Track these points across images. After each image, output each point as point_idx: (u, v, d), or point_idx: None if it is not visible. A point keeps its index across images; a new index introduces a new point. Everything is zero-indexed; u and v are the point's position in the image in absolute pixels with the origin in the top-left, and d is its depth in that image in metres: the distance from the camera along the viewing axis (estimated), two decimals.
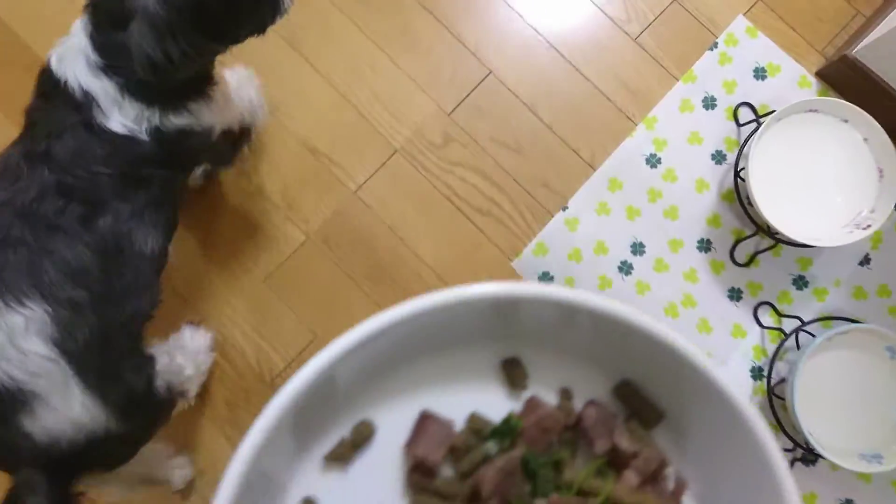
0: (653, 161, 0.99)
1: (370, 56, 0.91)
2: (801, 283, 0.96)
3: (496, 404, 0.34)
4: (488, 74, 0.92)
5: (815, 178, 0.89)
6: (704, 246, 0.97)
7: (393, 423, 0.34)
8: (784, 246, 0.97)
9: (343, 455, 0.33)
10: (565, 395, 0.34)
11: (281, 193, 0.89)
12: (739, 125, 1.00)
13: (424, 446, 0.31)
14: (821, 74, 0.96)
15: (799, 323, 0.92)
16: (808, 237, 0.87)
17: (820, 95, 0.97)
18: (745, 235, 0.97)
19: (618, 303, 0.32)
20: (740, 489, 0.33)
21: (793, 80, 0.98)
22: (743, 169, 0.92)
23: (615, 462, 0.33)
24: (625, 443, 0.32)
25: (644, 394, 0.34)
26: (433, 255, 0.88)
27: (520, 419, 0.33)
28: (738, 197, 0.96)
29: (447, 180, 0.90)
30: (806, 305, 0.95)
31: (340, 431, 0.34)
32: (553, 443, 0.33)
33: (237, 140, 0.79)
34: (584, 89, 0.96)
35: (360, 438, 0.33)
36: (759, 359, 0.94)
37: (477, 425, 0.33)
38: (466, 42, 0.92)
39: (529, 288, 0.32)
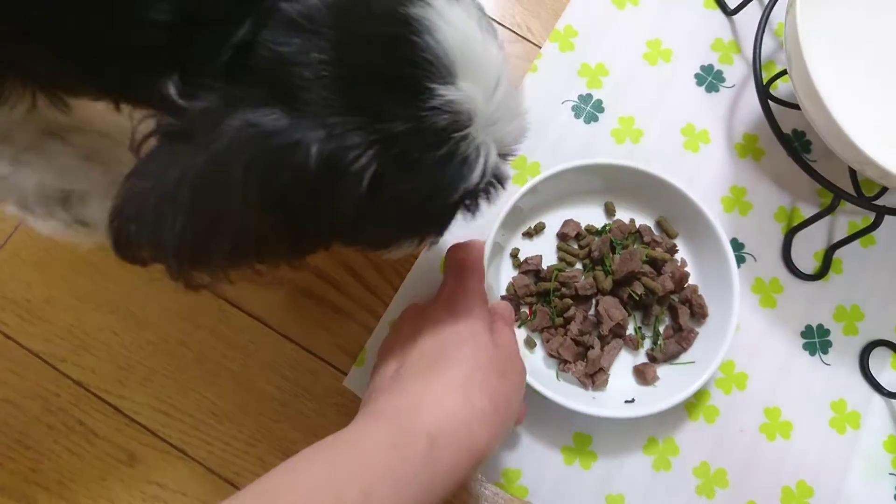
0: (584, 108, 0.76)
1: None
2: None
3: (601, 220, 0.74)
4: None
5: None
6: (734, 254, 0.68)
7: (553, 225, 0.74)
8: (884, 225, 0.71)
9: (529, 234, 0.73)
10: (632, 220, 0.73)
11: None
12: (729, 12, 0.79)
13: (566, 229, 0.72)
14: None
15: None
16: None
17: None
18: (806, 219, 0.71)
19: (659, 170, 0.70)
20: (711, 273, 0.70)
21: None
22: (783, 73, 0.69)
23: (652, 245, 0.71)
24: (657, 239, 0.71)
25: (669, 222, 0.73)
26: None
27: (611, 225, 0.72)
28: (781, 137, 0.66)
29: None
30: None
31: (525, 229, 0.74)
32: (626, 236, 0.72)
33: None
34: None
35: (538, 229, 0.73)
36: None
37: (591, 227, 0.73)
38: None
39: (624, 162, 0.71)
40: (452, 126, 0.39)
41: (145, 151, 0.39)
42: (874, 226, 0.72)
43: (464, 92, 0.39)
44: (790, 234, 0.75)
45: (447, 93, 0.38)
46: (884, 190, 0.72)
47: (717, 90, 0.79)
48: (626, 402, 0.66)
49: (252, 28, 0.37)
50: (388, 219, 0.42)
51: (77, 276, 0.70)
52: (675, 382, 0.67)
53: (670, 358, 0.69)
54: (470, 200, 0.45)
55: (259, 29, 0.37)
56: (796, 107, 0.66)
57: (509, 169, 0.46)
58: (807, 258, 0.76)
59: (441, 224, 0.47)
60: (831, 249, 0.75)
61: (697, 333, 0.69)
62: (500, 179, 0.45)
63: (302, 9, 0.37)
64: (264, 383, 0.68)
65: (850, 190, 0.72)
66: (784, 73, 0.75)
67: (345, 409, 0.67)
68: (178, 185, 0.36)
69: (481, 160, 0.41)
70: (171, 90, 0.37)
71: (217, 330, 0.69)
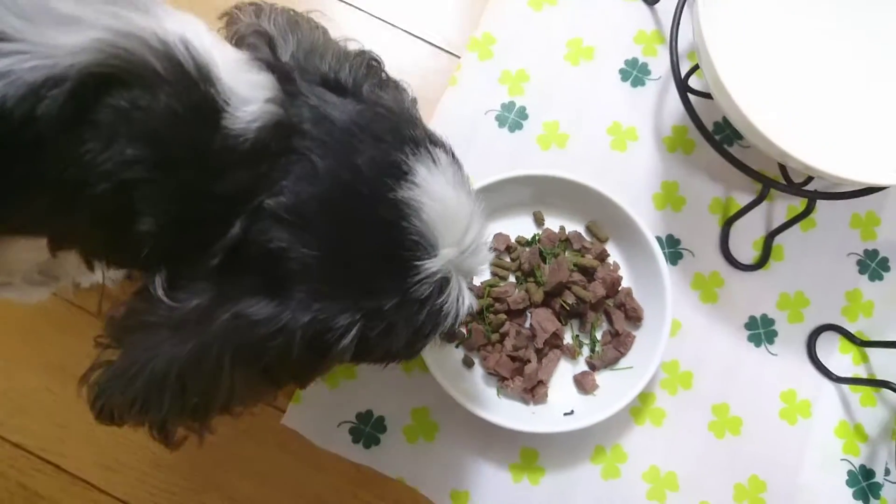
0: (508, 117, 0.75)
1: None
2: (875, 265, 0.73)
3: (531, 230, 0.73)
4: None
5: (852, 48, 0.65)
6: (668, 251, 0.72)
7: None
8: (822, 206, 0.72)
9: None
10: (562, 228, 0.72)
11: None
12: (650, 1, 0.77)
13: (496, 243, 0.70)
14: None
15: None
16: (869, 172, 0.58)
17: None
18: (741, 208, 0.71)
19: (587, 179, 0.69)
20: (644, 274, 0.69)
21: None
22: (696, 68, 0.68)
23: (582, 252, 0.70)
24: (587, 245, 0.70)
25: (598, 226, 0.72)
26: None
27: (540, 236, 0.71)
28: (703, 131, 0.66)
29: None
30: None
31: None
32: (555, 245, 0.71)
33: None
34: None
35: None
36: (854, 451, 0.69)
37: (521, 239, 0.72)
38: None
39: (548, 172, 0.70)
40: (435, 293, 0.43)
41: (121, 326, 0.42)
42: (807, 211, 0.71)
43: (443, 258, 0.42)
44: (726, 225, 0.73)
45: (431, 265, 0.42)
46: (811, 176, 0.70)
47: (644, 84, 0.78)
48: (565, 414, 0.66)
49: (242, 228, 0.39)
50: (368, 360, 0.46)
51: (8, 339, 0.69)
52: (615, 390, 0.66)
53: (609, 364, 0.68)
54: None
55: (249, 227, 0.39)
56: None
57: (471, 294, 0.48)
58: (746, 248, 0.74)
59: (418, 352, 0.50)
60: (770, 237, 0.73)
61: (634, 337, 0.68)
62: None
63: (290, 204, 0.39)
64: None
65: (781, 178, 0.71)
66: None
67: (286, 448, 0.67)
68: (164, 373, 0.39)
69: (456, 307, 0.45)
70: (158, 287, 0.39)
71: None
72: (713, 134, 0.72)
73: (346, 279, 0.40)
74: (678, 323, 0.71)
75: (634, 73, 0.78)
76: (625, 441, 0.69)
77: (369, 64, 0.48)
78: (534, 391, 0.66)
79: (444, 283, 0.43)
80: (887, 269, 0.74)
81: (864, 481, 0.69)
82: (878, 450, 0.70)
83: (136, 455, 0.67)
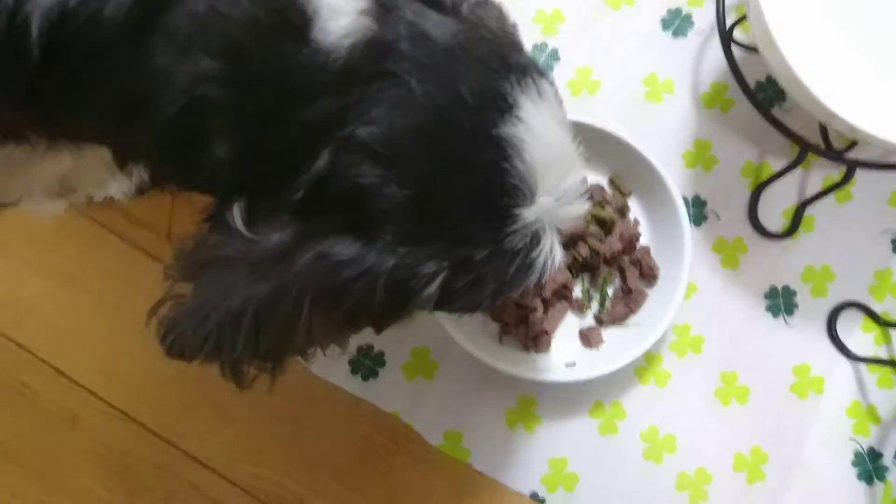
0: (539, 58, 0.70)
1: None
2: None
3: None
4: None
5: None
6: (693, 213, 0.68)
7: None
8: (860, 175, 0.67)
9: None
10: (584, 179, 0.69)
11: None
12: None
13: None
14: None
15: None
16: None
17: None
18: (775, 173, 0.67)
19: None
20: (665, 233, 0.67)
21: None
22: (742, 18, 0.64)
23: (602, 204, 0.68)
24: (608, 198, 0.68)
25: (622, 179, 0.69)
26: None
27: None
28: (744, 87, 0.62)
29: None
30: None
31: None
32: None
33: None
34: None
35: None
36: (864, 432, 0.67)
37: None
38: None
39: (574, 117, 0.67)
40: (528, 245, 0.39)
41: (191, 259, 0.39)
42: (845, 180, 0.67)
43: (540, 207, 0.38)
44: (757, 189, 0.70)
45: (528, 215, 0.37)
46: (854, 142, 0.66)
47: (685, 35, 0.74)
48: (567, 365, 0.64)
49: (329, 161, 0.35)
50: (448, 309, 0.43)
51: (16, 241, 0.70)
52: (619, 346, 0.64)
53: (617, 320, 0.66)
54: None
55: (337, 159, 0.35)
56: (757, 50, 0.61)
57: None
58: (775, 216, 0.71)
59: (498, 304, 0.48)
60: (802, 206, 0.70)
61: (647, 295, 0.66)
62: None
63: (382, 135, 0.34)
64: None
65: (822, 143, 0.67)
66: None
67: (284, 375, 0.67)
68: (240, 312, 0.37)
69: (545, 263, 0.40)
70: (236, 218, 0.36)
71: (155, 294, 0.68)
72: (755, 92, 0.69)
73: (438, 223, 0.36)
74: (694, 286, 0.69)
75: (677, 22, 0.74)
76: (625, 399, 0.67)
77: None
78: (536, 340, 0.65)
79: (538, 235, 0.39)
80: None
81: (870, 463, 0.67)
82: (889, 433, 0.67)
83: (138, 367, 0.68)
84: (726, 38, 0.65)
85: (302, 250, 0.35)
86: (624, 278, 0.66)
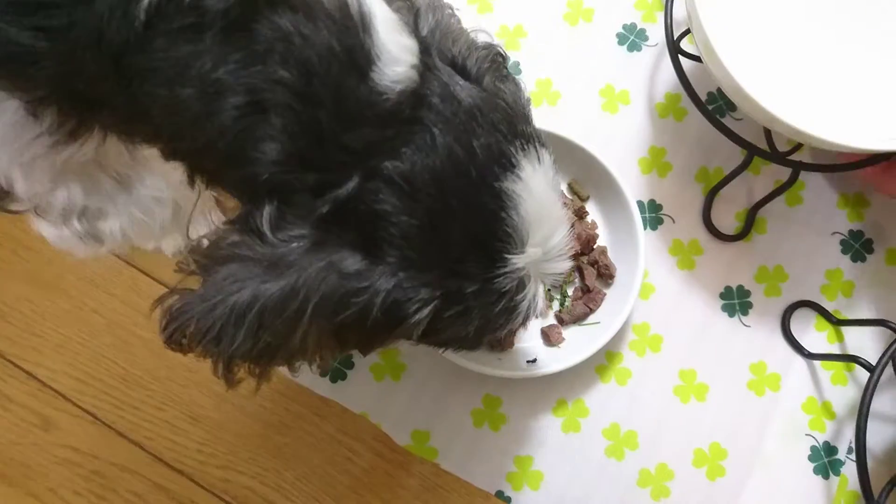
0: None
1: None
2: (859, 246, 0.72)
3: None
4: None
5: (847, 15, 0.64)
6: (650, 217, 0.72)
7: None
8: (809, 179, 0.71)
9: None
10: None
11: None
12: None
13: None
14: None
15: (890, 329, 0.65)
16: (851, 137, 0.56)
17: None
18: (725, 176, 0.71)
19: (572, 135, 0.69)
20: (621, 235, 0.69)
21: None
22: (688, 31, 0.67)
23: None
24: (566, 201, 0.70)
25: (580, 184, 0.72)
26: None
27: None
28: (693, 96, 0.66)
29: None
30: (880, 291, 0.71)
31: None
32: None
33: None
34: None
35: None
36: (820, 427, 0.69)
37: None
38: None
39: None
40: (514, 288, 0.43)
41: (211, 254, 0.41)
42: (790, 181, 0.70)
43: (528, 256, 0.42)
44: (710, 193, 0.73)
45: (518, 261, 0.42)
46: (798, 146, 0.69)
47: (640, 49, 0.78)
48: (528, 362, 0.66)
49: (358, 184, 0.39)
50: (433, 340, 0.47)
51: None
52: (579, 344, 0.66)
53: (577, 319, 0.68)
54: None
55: (363, 184, 0.39)
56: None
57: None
58: (729, 219, 0.74)
59: (481, 344, 0.50)
60: (753, 209, 0.73)
61: (605, 294, 0.68)
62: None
63: (405, 171, 0.39)
64: None
65: (768, 142, 0.70)
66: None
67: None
68: (247, 306, 0.39)
69: (528, 308, 0.45)
70: (265, 221, 0.39)
71: (128, 298, 0.70)
72: (706, 104, 0.73)
73: (438, 254, 0.40)
74: (652, 287, 0.71)
75: (632, 38, 0.78)
76: (588, 397, 0.69)
77: (494, 58, 0.48)
78: (502, 339, 0.67)
79: (524, 281, 0.43)
80: (871, 251, 0.73)
81: (826, 457, 0.68)
82: (843, 428, 0.69)
83: (107, 370, 0.69)
84: (674, 50, 0.69)
85: (316, 259, 0.39)
86: (583, 278, 0.69)
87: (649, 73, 0.77)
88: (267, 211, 0.39)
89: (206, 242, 0.42)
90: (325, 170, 0.39)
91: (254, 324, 0.39)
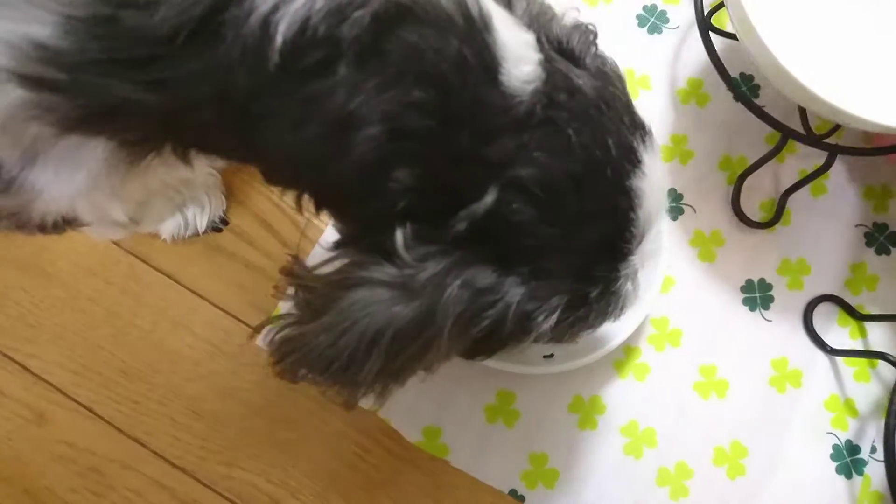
0: None
1: None
2: (883, 239, 0.69)
3: None
4: None
5: None
6: (670, 206, 0.69)
7: None
8: (836, 174, 0.67)
9: None
10: None
11: None
12: None
13: None
14: None
15: None
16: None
17: None
18: (758, 160, 0.67)
19: None
20: None
21: None
22: (720, 6, 0.65)
23: None
24: None
25: None
26: None
27: None
28: (725, 75, 0.63)
29: None
30: None
31: None
32: None
33: None
34: None
35: None
36: (842, 425, 0.66)
37: None
38: None
39: None
40: (632, 292, 0.42)
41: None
42: (826, 166, 0.68)
43: (643, 252, 0.41)
44: (740, 179, 0.70)
45: (637, 260, 0.41)
46: (835, 128, 0.67)
47: (660, 32, 0.74)
48: (545, 357, 0.63)
49: (497, 198, 0.37)
50: (552, 340, 0.44)
51: None
52: (596, 339, 0.63)
53: None
54: None
55: (503, 196, 0.37)
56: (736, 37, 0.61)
57: None
58: (753, 208, 0.71)
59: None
60: (784, 195, 0.70)
61: None
62: None
63: (542, 177, 0.37)
64: (175, 342, 0.66)
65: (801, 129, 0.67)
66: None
67: (259, 369, 0.65)
68: (379, 332, 0.37)
69: (628, 303, 0.43)
70: (399, 241, 0.36)
71: (127, 287, 0.67)
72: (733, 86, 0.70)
73: (571, 261, 0.39)
74: (671, 280, 0.69)
75: (652, 19, 0.75)
76: (605, 393, 0.67)
77: (590, 37, 0.45)
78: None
79: (633, 277, 0.42)
80: None
81: (848, 457, 0.67)
82: (866, 426, 0.68)
83: (104, 362, 0.66)
84: (705, 27, 0.66)
85: (451, 279, 0.37)
86: None
87: (671, 57, 0.74)
88: (400, 234, 0.36)
89: (332, 268, 0.39)
90: (462, 188, 0.37)
91: (387, 349, 0.37)
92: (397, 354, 0.38)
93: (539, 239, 0.37)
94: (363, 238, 0.39)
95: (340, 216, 0.42)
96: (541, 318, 0.39)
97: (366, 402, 0.43)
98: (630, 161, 0.39)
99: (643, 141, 0.40)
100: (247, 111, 0.35)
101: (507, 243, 0.37)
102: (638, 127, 0.41)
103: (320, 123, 0.34)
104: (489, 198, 0.36)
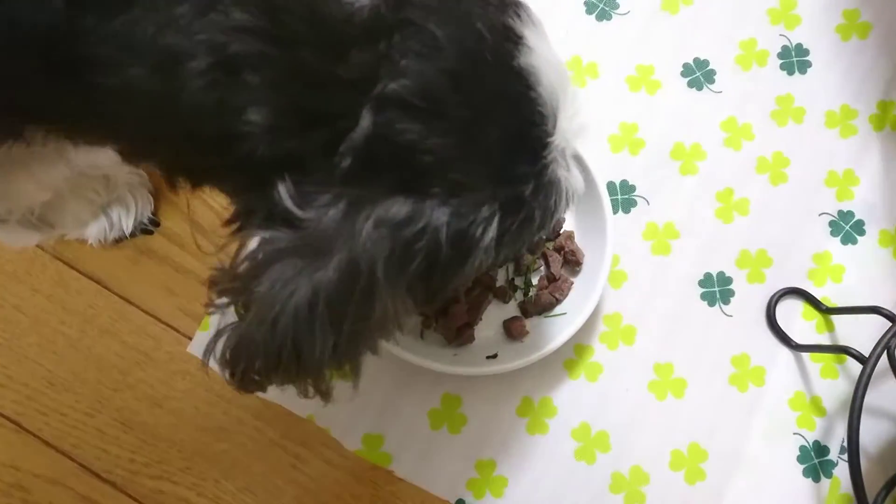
0: None
1: None
2: (849, 228, 0.67)
3: None
4: None
5: None
6: (622, 199, 0.67)
7: None
8: (796, 160, 0.68)
9: None
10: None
11: None
12: None
13: None
14: None
15: (884, 317, 0.60)
16: None
17: None
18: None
19: None
20: (589, 219, 0.64)
21: None
22: None
23: None
24: None
25: None
26: None
27: None
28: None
29: None
30: (873, 275, 0.66)
31: None
32: None
33: None
34: None
35: None
36: (809, 425, 0.63)
37: None
38: None
39: None
40: (564, 177, 0.39)
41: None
42: None
43: (562, 130, 0.38)
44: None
45: (557, 141, 0.37)
46: None
47: (610, 18, 0.72)
48: (488, 357, 0.60)
49: (371, 121, 0.33)
50: (505, 252, 0.41)
51: None
52: (544, 337, 0.60)
53: (543, 310, 0.62)
54: None
55: (378, 118, 0.33)
56: None
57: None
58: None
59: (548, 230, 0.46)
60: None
61: (572, 283, 0.62)
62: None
63: (416, 86, 0.33)
64: (103, 350, 0.63)
65: None
66: None
67: (189, 377, 0.63)
68: (311, 302, 0.33)
69: (571, 190, 0.40)
70: (284, 195, 0.33)
71: (54, 294, 0.64)
72: (681, 76, 0.68)
73: (483, 166, 0.35)
74: (623, 274, 0.65)
75: (601, 6, 0.72)
76: (555, 394, 0.63)
77: None
78: (459, 332, 0.61)
79: (563, 160, 0.38)
80: (862, 232, 0.68)
81: (816, 458, 0.63)
82: (835, 425, 0.64)
83: (31, 372, 0.63)
84: None
85: (359, 221, 0.33)
86: (548, 265, 0.63)
87: (619, 44, 0.71)
88: (283, 189, 0.33)
89: (237, 260, 0.36)
90: (329, 118, 0.33)
91: (327, 317, 0.34)
92: (341, 320, 0.34)
93: (437, 153, 0.34)
94: (256, 210, 0.35)
95: (220, 187, 0.38)
96: (478, 233, 0.35)
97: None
98: (509, 40, 0.36)
99: (518, 16, 0.36)
100: (51, 61, 0.31)
101: (405, 167, 0.34)
102: (508, 4, 0.37)
103: (141, 66, 0.31)
104: (364, 122, 0.33)
